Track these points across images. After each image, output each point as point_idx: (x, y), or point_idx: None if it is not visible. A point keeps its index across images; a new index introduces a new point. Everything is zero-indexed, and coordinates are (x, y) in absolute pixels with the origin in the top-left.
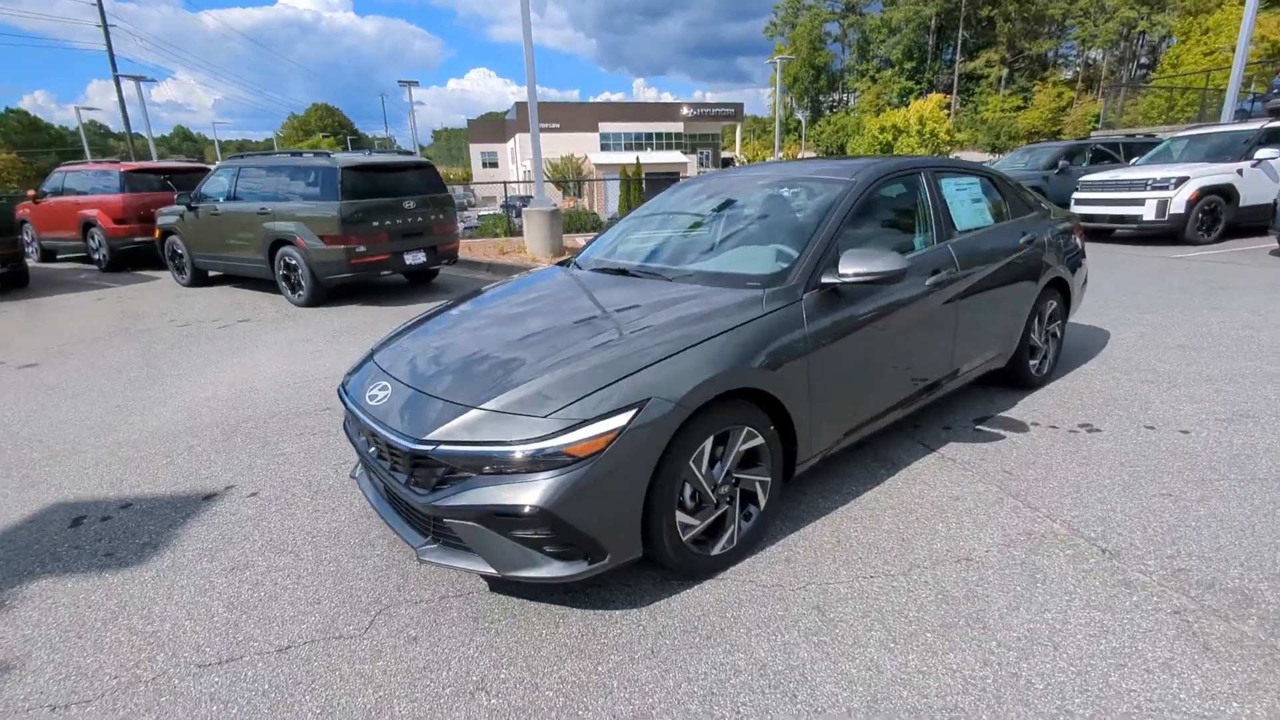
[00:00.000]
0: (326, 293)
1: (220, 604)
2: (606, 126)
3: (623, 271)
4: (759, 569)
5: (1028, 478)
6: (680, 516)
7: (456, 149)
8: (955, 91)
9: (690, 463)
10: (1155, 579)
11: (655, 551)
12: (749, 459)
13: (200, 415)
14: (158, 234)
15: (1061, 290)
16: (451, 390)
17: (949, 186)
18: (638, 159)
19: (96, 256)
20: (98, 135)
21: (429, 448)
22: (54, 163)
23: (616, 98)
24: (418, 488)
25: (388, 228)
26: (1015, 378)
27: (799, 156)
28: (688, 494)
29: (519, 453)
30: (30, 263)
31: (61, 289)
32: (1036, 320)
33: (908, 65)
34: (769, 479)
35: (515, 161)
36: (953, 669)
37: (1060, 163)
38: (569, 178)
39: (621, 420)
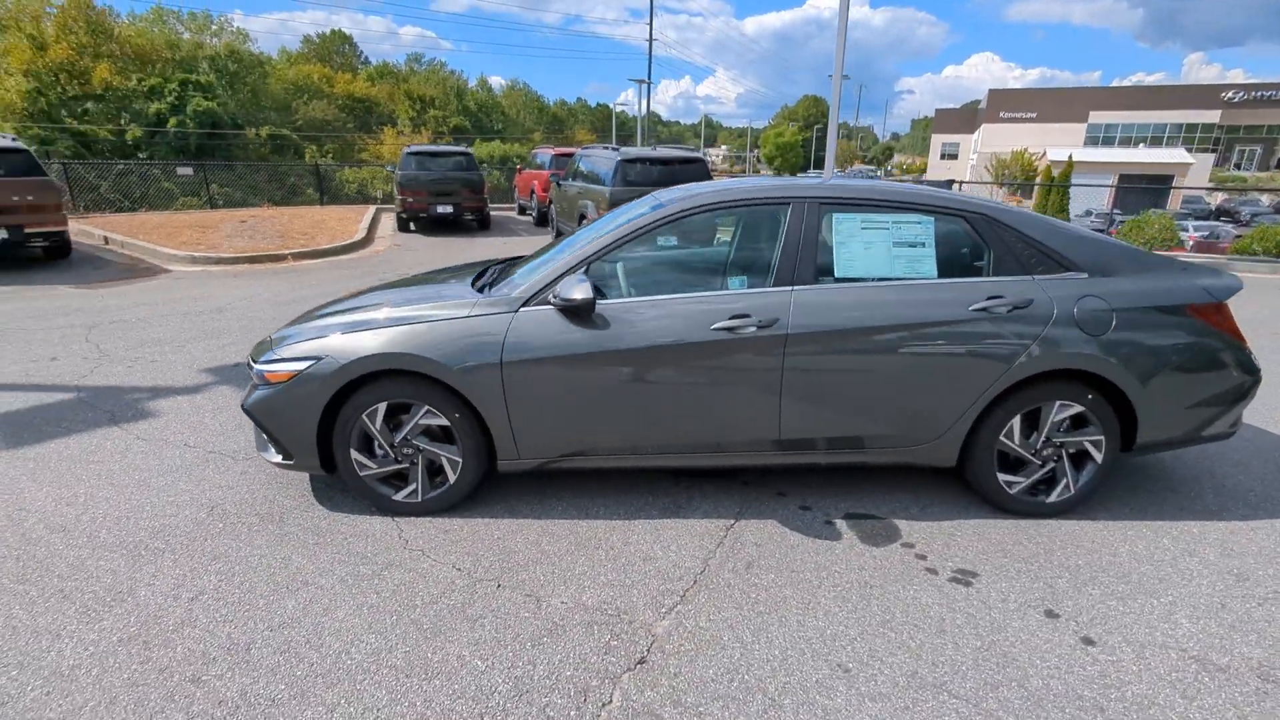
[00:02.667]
0: None
1: None
2: (1100, 116)
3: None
4: (423, 522)
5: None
6: (356, 456)
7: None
8: None
9: (364, 417)
10: None
11: (342, 476)
12: (444, 435)
13: None
14: (547, 200)
15: (1105, 393)
16: (280, 332)
17: (847, 224)
18: (1068, 156)
19: (530, 214)
20: (653, 122)
21: (249, 366)
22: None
23: (1134, 80)
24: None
25: None
26: (982, 491)
27: None
28: (374, 444)
29: (253, 372)
30: (505, 214)
31: (503, 231)
32: (1021, 422)
33: None
34: (459, 459)
35: (974, 153)
36: None
37: None
38: (1009, 178)
39: (299, 366)
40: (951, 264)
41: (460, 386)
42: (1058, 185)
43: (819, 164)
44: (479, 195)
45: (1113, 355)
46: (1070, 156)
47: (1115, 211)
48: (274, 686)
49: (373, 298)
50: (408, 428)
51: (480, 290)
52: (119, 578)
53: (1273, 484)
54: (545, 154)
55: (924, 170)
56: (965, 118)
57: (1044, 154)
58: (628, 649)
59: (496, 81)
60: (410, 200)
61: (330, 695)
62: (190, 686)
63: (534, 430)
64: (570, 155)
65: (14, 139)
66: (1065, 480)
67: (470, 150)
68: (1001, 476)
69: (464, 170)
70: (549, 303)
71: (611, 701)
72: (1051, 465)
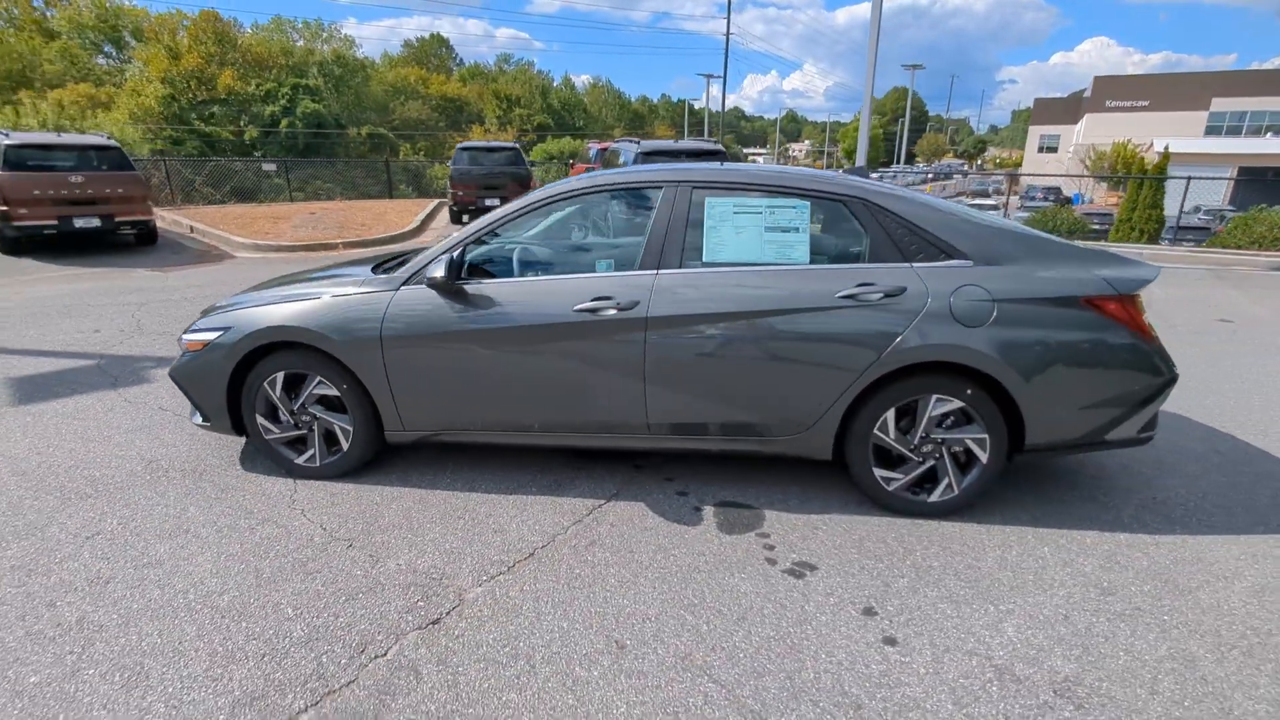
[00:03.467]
0: None
1: None
2: (1225, 103)
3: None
4: (319, 485)
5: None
6: (262, 421)
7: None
8: None
9: (266, 385)
10: None
11: (252, 439)
12: (338, 405)
13: None
14: None
15: (988, 389)
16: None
17: (719, 209)
18: (1164, 147)
19: None
20: (735, 118)
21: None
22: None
23: (1274, 64)
24: None
25: None
26: (861, 486)
27: None
28: (279, 411)
29: (180, 341)
30: None
31: None
32: (896, 416)
33: None
34: (350, 429)
35: (1073, 144)
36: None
37: None
38: (1106, 171)
39: (208, 336)
40: (828, 250)
41: (345, 359)
42: (1149, 178)
43: (908, 158)
44: (525, 188)
45: (991, 348)
46: (1166, 148)
47: (1229, 208)
48: (109, 615)
49: (299, 277)
50: (304, 396)
51: (378, 272)
52: (41, 515)
53: (1214, 500)
54: (594, 148)
55: (1019, 164)
56: (1068, 108)
57: (1149, 145)
58: (429, 610)
59: (582, 80)
60: (460, 193)
61: (150, 627)
62: (42, 609)
63: (415, 403)
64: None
65: (108, 138)
66: (948, 480)
67: (517, 145)
68: (878, 472)
69: (512, 165)
70: (419, 282)
71: (385, 655)
72: (932, 463)
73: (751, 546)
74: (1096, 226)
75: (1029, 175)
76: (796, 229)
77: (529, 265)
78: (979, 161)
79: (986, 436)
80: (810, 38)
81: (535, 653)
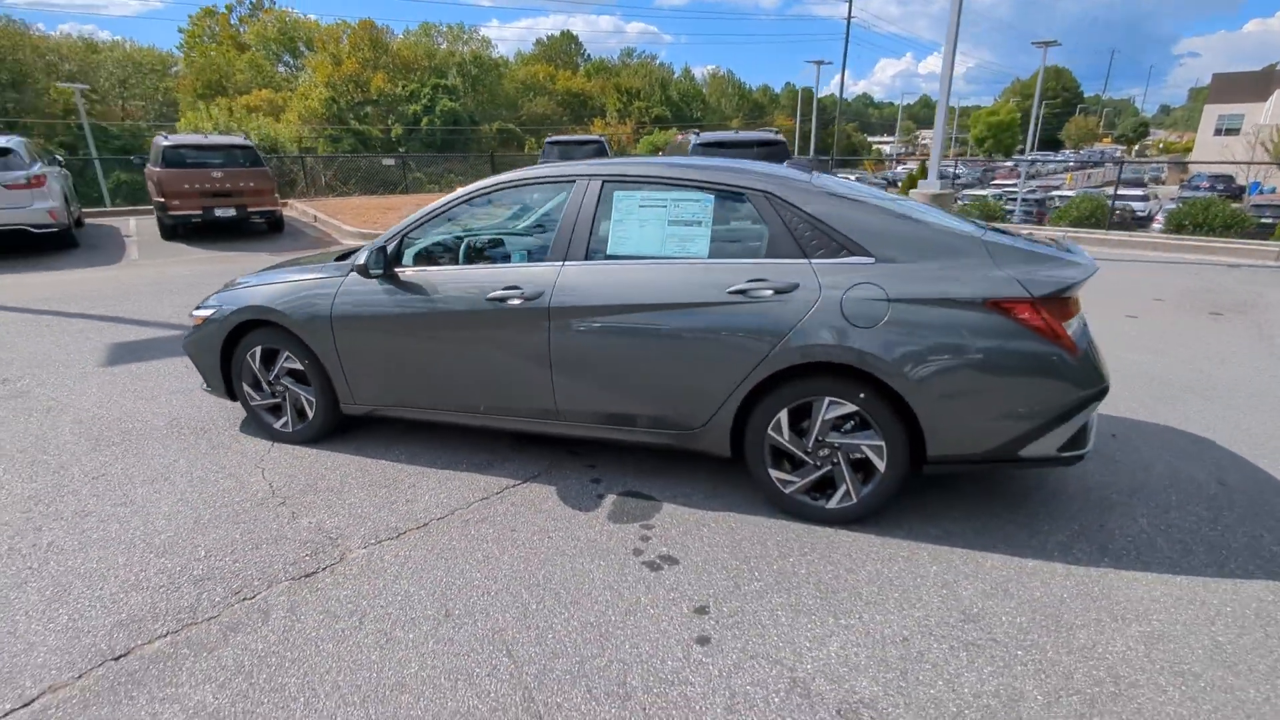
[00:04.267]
0: None
1: None
2: None
3: None
4: (293, 448)
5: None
6: (247, 389)
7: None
8: None
9: (248, 357)
10: None
11: (241, 404)
12: (299, 377)
13: None
14: None
15: (884, 394)
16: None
17: (626, 203)
18: None
19: None
20: (864, 105)
21: None
22: (807, 130)
23: None
24: None
25: None
26: (761, 487)
27: None
28: (264, 381)
29: (189, 316)
30: None
31: None
32: (790, 417)
33: None
34: (314, 399)
35: (1258, 125)
36: None
37: None
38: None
39: (208, 312)
40: (731, 244)
41: (304, 337)
42: None
43: (1047, 144)
44: None
45: (883, 351)
46: None
47: None
48: (71, 542)
49: (294, 263)
50: (277, 369)
51: (341, 261)
52: (72, 459)
53: (1176, 535)
54: (694, 139)
55: (1189, 149)
56: (1256, 83)
57: None
58: (310, 565)
59: (702, 72)
60: None
61: (94, 554)
62: (29, 532)
63: (360, 379)
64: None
65: (245, 138)
66: (846, 487)
67: (602, 139)
68: (775, 474)
69: (597, 157)
70: (356, 269)
71: (253, 598)
72: (829, 468)
73: (627, 536)
74: (1269, 220)
75: (1196, 162)
76: (699, 222)
77: (470, 254)
78: (1137, 147)
79: (883, 444)
80: (947, 19)
81: (370, 611)
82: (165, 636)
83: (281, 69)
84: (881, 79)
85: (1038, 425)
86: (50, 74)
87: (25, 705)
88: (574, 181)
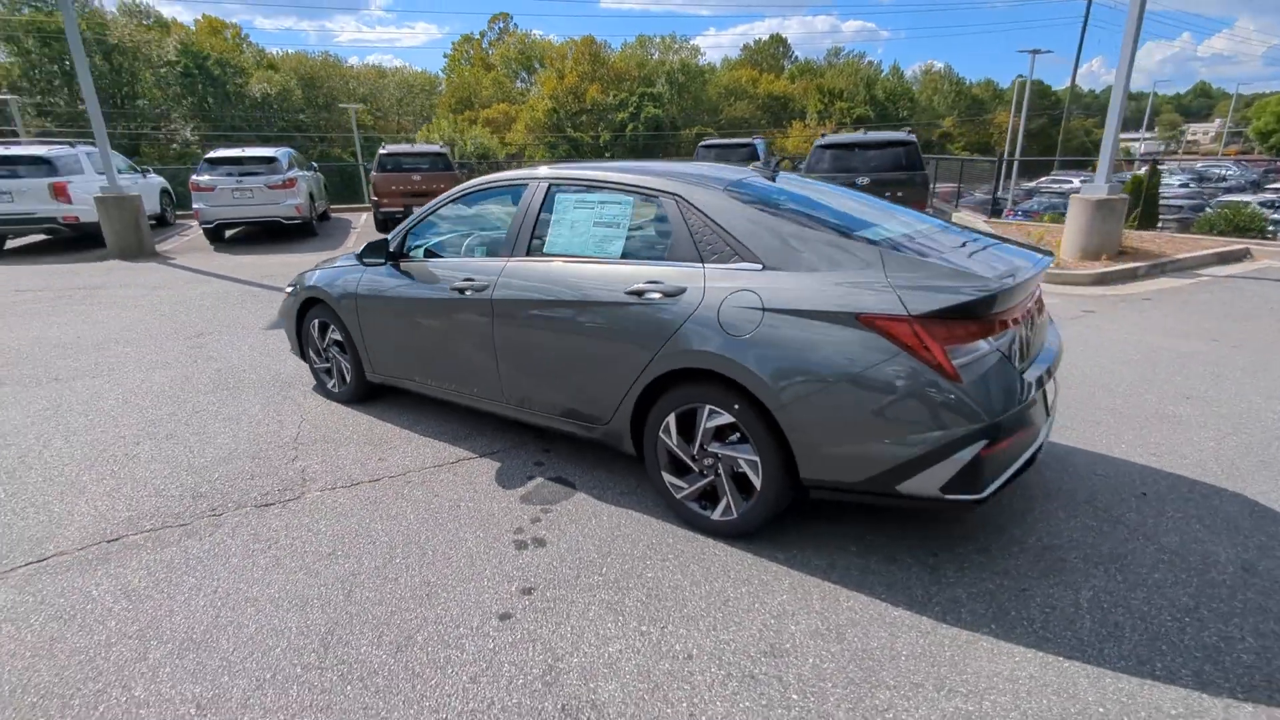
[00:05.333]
0: None
1: None
2: None
3: None
4: (336, 406)
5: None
6: (310, 354)
7: None
8: None
9: (310, 327)
10: None
11: (309, 366)
12: (341, 347)
13: None
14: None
15: (758, 408)
16: None
17: (566, 203)
18: None
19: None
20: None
21: None
22: (1042, 125)
23: None
24: None
25: None
26: (656, 489)
27: None
28: (320, 349)
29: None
30: None
31: None
32: (678, 422)
33: None
34: (350, 368)
35: None
36: None
37: None
38: None
39: (290, 289)
40: (645, 246)
41: (340, 313)
42: None
43: None
44: None
45: (752, 361)
46: None
47: None
48: (144, 451)
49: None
50: (327, 339)
51: None
52: (195, 395)
53: (1112, 616)
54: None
55: None
56: None
57: None
58: (274, 498)
59: (914, 68)
60: None
61: (128, 460)
62: (114, 442)
63: (375, 352)
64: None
65: (440, 146)
66: (727, 500)
67: (755, 141)
68: (667, 477)
69: (750, 160)
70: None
71: (216, 516)
72: (712, 478)
73: (522, 516)
74: None
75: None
76: (617, 224)
77: (454, 249)
78: None
79: (758, 459)
80: None
81: (282, 540)
82: (146, 531)
83: (519, 84)
84: (1144, 64)
85: (912, 459)
86: (349, 97)
87: (39, 560)
88: (527, 184)
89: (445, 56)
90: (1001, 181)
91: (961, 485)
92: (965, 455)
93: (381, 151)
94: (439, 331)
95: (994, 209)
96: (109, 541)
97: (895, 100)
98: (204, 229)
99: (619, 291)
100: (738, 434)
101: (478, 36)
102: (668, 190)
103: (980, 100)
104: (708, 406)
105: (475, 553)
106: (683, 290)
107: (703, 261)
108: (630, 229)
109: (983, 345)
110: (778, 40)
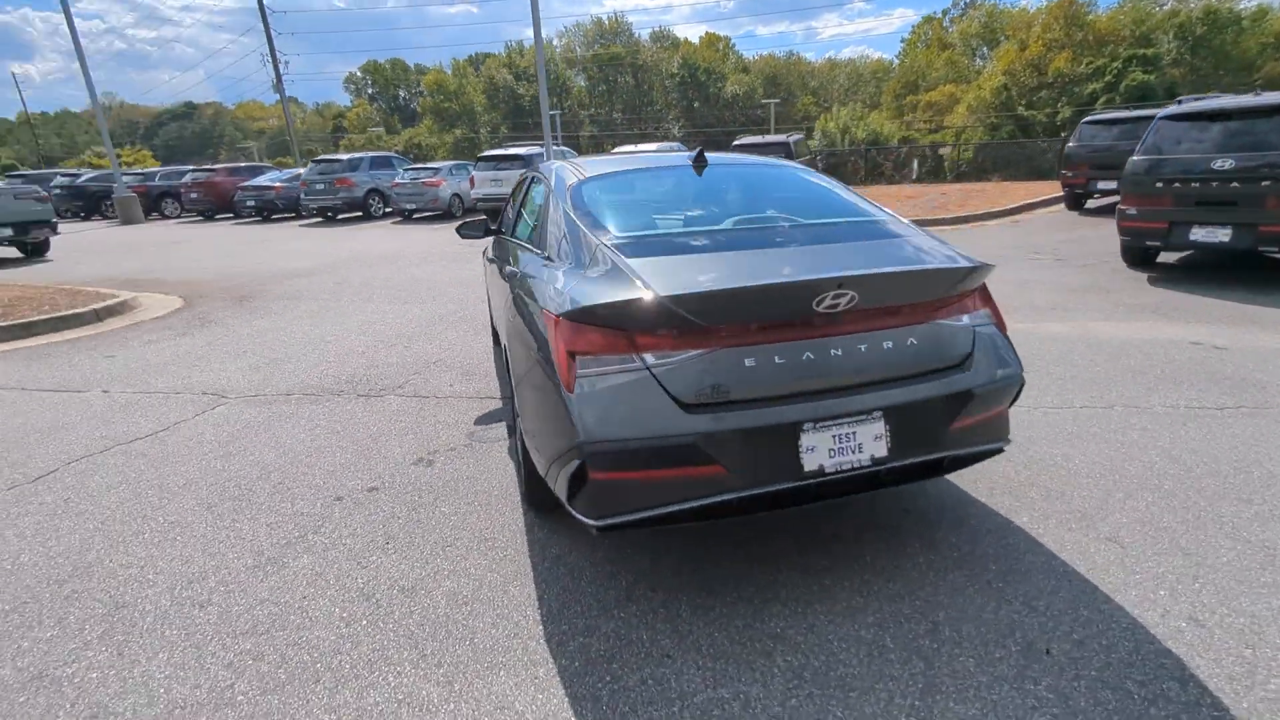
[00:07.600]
0: None
1: None
2: None
3: None
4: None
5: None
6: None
7: None
8: None
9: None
10: None
11: None
12: None
13: None
14: None
15: None
16: None
17: (534, 191)
18: None
19: None
20: None
21: None
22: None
23: None
24: None
25: None
26: None
27: None
28: None
29: None
30: None
31: None
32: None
33: None
34: None
35: None
36: None
37: None
38: None
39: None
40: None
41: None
42: None
43: None
44: None
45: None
46: None
47: None
48: (284, 359)
49: None
50: None
51: None
52: (330, 301)
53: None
54: None
55: None
56: None
57: None
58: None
59: None
60: (1069, 174)
61: (283, 352)
62: (272, 376)
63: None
64: None
65: (787, 137)
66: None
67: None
68: None
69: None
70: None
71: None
72: None
73: (444, 469)
74: None
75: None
76: (536, 212)
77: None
78: None
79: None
80: None
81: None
82: (230, 399)
83: (978, 61)
84: None
85: (547, 461)
86: (803, 90)
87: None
88: (530, 173)
89: (902, 41)
90: None
91: (581, 501)
92: (569, 470)
93: (737, 143)
94: (510, 294)
95: None
96: (213, 409)
97: None
98: None
99: (505, 270)
100: None
101: (939, 15)
102: (549, 178)
103: None
104: None
105: (386, 485)
106: (514, 274)
107: (538, 247)
108: None
109: (623, 359)
110: None
